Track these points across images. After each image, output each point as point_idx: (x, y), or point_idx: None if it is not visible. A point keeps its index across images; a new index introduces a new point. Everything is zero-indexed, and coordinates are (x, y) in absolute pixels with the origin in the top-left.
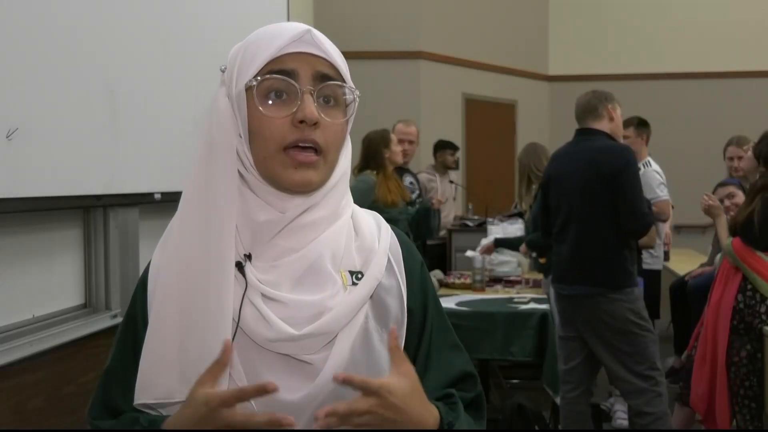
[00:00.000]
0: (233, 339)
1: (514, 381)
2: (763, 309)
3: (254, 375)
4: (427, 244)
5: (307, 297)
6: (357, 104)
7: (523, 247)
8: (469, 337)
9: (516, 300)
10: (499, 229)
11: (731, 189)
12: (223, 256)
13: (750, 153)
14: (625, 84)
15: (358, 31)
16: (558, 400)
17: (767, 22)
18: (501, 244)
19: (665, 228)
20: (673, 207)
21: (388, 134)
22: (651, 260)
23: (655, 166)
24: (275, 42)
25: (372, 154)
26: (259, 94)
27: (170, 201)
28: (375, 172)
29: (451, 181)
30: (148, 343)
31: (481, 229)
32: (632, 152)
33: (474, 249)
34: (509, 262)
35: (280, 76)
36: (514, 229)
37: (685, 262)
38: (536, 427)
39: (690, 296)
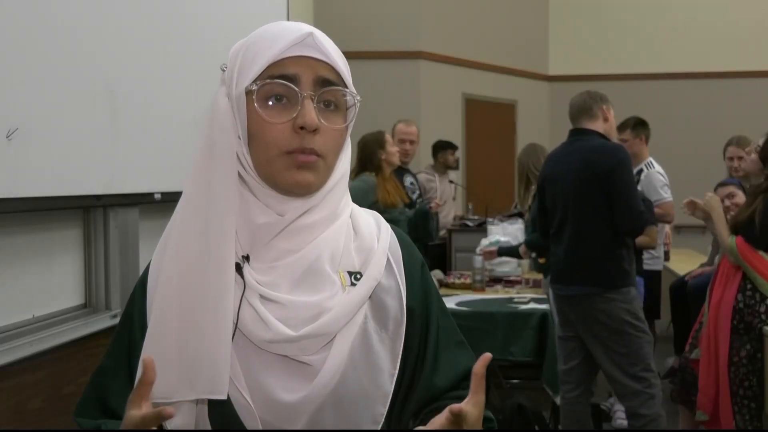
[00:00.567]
0: (232, 340)
1: (514, 381)
2: (762, 309)
3: (253, 376)
4: (428, 244)
5: (305, 298)
6: (358, 108)
7: (522, 247)
8: (469, 337)
9: (516, 300)
10: (499, 229)
11: (731, 189)
12: (222, 258)
13: (754, 156)
14: (625, 84)
15: (358, 31)
16: (558, 400)
17: (767, 22)
18: (504, 252)
19: (666, 228)
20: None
21: (383, 135)
22: (651, 261)
23: (657, 167)
24: (277, 44)
25: (368, 156)
26: (259, 98)
27: (170, 201)
28: (373, 174)
29: (451, 181)
30: (148, 343)
31: (481, 229)
32: (625, 151)
33: (474, 249)
34: (509, 262)
35: (281, 81)
36: (514, 229)
37: (685, 262)
38: (536, 427)
39: (690, 296)
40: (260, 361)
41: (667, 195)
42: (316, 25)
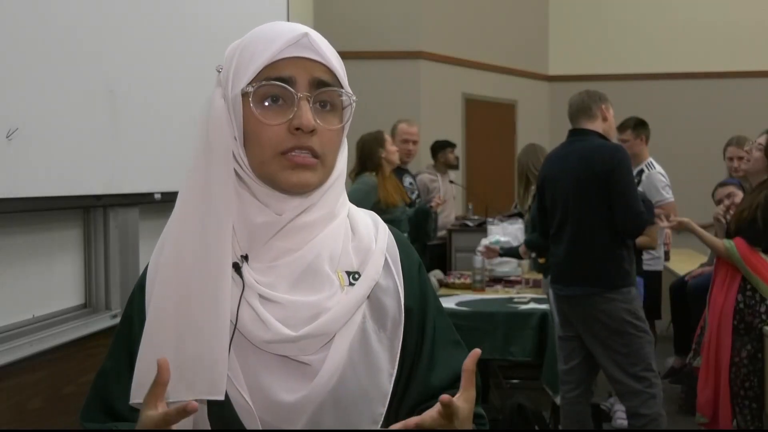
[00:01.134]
0: (231, 340)
1: (514, 381)
2: (763, 309)
3: (252, 376)
4: (427, 244)
5: (304, 298)
6: (354, 109)
7: (522, 247)
8: (469, 337)
9: (516, 300)
10: (499, 229)
11: (731, 189)
12: (220, 257)
13: (757, 153)
14: (625, 84)
15: (358, 31)
16: (558, 400)
17: (767, 22)
18: (507, 253)
19: (666, 228)
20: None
21: (382, 135)
22: (651, 261)
23: (658, 167)
24: (272, 46)
25: (368, 155)
26: (255, 100)
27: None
28: (374, 174)
29: (451, 181)
30: (145, 343)
31: (481, 229)
32: (625, 152)
33: (474, 249)
34: (509, 262)
35: (276, 83)
36: (514, 229)
37: (685, 262)
38: (536, 427)
39: (690, 296)
40: (259, 362)
41: (668, 195)
42: (316, 25)
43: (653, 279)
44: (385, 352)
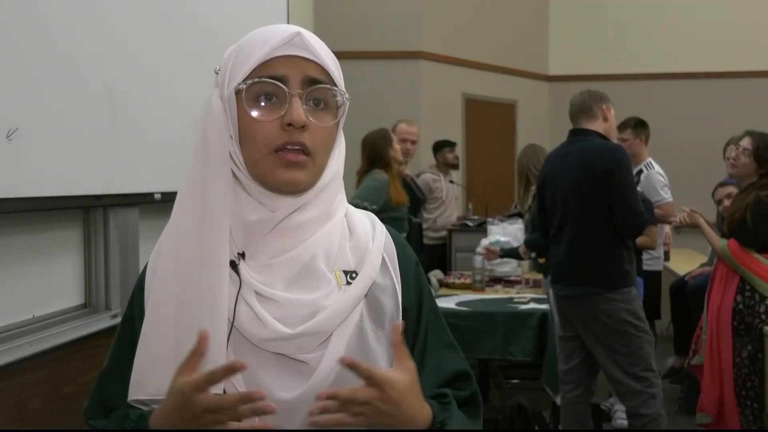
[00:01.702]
0: (228, 338)
1: (514, 381)
2: (762, 309)
3: (250, 374)
4: (424, 243)
5: (301, 296)
6: (347, 107)
7: (522, 247)
8: (469, 337)
9: (516, 300)
10: (499, 229)
11: (731, 189)
12: (217, 255)
13: (744, 159)
14: (625, 84)
15: (358, 31)
16: (558, 400)
17: (767, 22)
18: (507, 254)
19: (666, 228)
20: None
21: (388, 133)
22: (651, 261)
23: (657, 168)
24: (265, 45)
25: (378, 154)
26: (248, 98)
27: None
28: (383, 172)
29: (452, 181)
30: (144, 340)
31: (481, 229)
32: (624, 151)
33: (474, 249)
34: (509, 262)
35: (269, 80)
36: (514, 229)
37: (685, 262)
38: (536, 427)
39: (690, 296)
40: (257, 360)
41: (667, 195)
42: (316, 25)
43: (653, 279)
44: (382, 350)
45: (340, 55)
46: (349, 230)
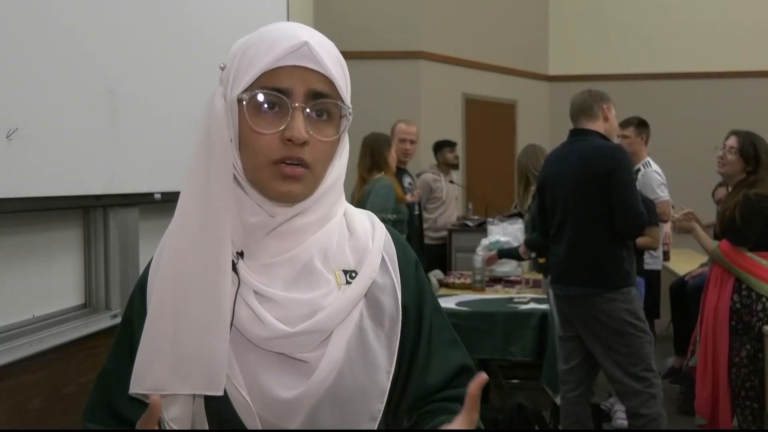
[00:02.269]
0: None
1: (514, 381)
2: (759, 307)
3: (250, 374)
4: (424, 243)
5: (300, 295)
6: (350, 121)
7: (522, 247)
8: (469, 337)
9: (516, 300)
10: (499, 229)
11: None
12: (219, 255)
13: (731, 157)
14: (625, 84)
15: (358, 31)
16: (558, 400)
17: (767, 22)
18: (504, 255)
19: (665, 228)
20: (672, 207)
21: (389, 138)
22: (651, 260)
23: (655, 166)
24: (271, 52)
25: (380, 154)
26: (250, 107)
27: (170, 201)
28: (383, 173)
29: (452, 181)
30: (145, 335)
31: (481, 229)
32: (625, 152)
33: (474, 250)
34: (509, 262)
35: (272, 93)
36: (514, 229)
37: (685, 262)
38: (536, 427)
39: (690, 296)
40: (257, 359)
41: (664, 194)
42: (316, 25)
43: (652, 278)
44: (383, 349)
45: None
46: (349, 230)
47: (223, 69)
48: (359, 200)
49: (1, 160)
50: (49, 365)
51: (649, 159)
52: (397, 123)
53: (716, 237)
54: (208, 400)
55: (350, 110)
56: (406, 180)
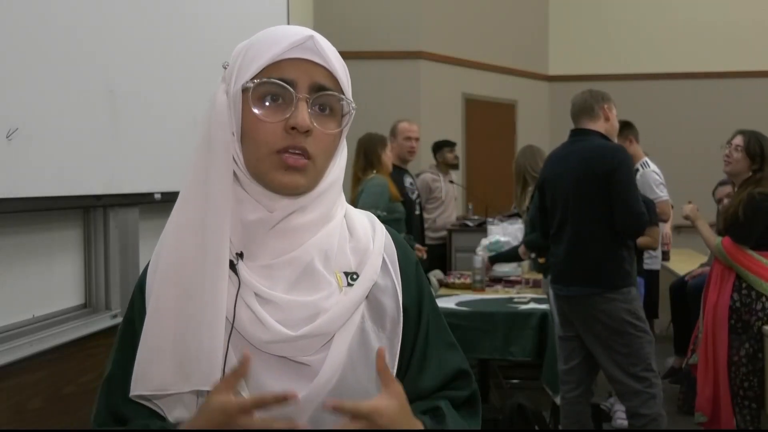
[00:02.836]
0: (229, 339)
1: (514, 381)
2: (759, 306)
3: (252, 377)
4: (425, 243)
5: (301, 298)
6: (353, 116)
7: (522, 248)
8: (469, 337)
9: (516, 300)
10: (499, 229)
11: (730, 189)
12: (218, 252)
13: (737, 155)
14: (625, 84)
15: (358, 31)
16: (558, 400)
17: (767, 22)
18: (497, 259)
19: (665, 228)
20: (672, 207)
21: (383, 136)
22: (650, 260)
23: (653, 166)
24: (277, 46)
25: (374, 153)
26: (254, 97)
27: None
28: (376, 172)
29: (451, 181)
30: (145, 337)
31: (481, 229)
32: (626, 152)
33: (474, 250)
34: (509, 262)
35: (277, 82)
36: (514, 229)
37: (685, 262)
38: (536, 427)
39: (690, 296)
40: (259, 362)
41: (663, 194)
42: (316, 25)
43: (651, 278)
44: (385, 351)
45: (340, 56)
46: (349, 231)
47: (225, 68)
48: (353, 200)
49: (1, 160)
50: (49, 365)
51: (646, 159)
52: (398, 122)
53: (719, 234)
54: None
55: (353, 106)
56: (407, 180)
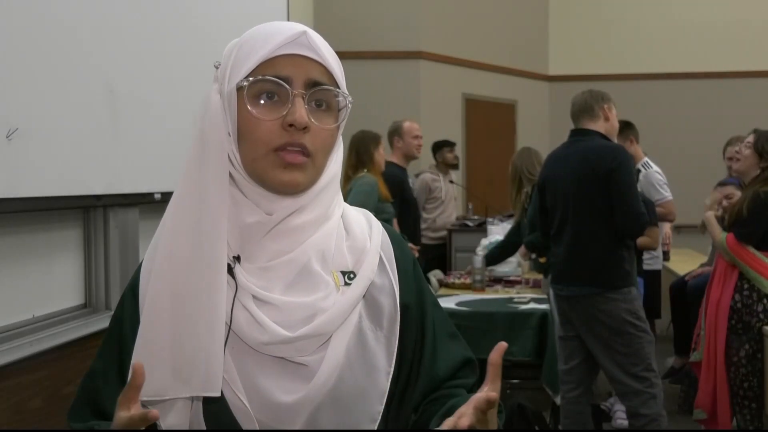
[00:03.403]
0: (226, 341)
1: (514, 381)
2: (760, 308)
3: (249, 379)
4: (424, 244)
5: (299, 299)
6: (349, 110)
7: (522, 248)
8: (469, 337)
9: (516, 300)
10: (499, 229)
11: (730, 189)
12: (214, 255)
13: (747, 152)
14: (625, 84)
15: (358, 31)
16: (558, 400)
17: (767, 22)
18: (491, 262)
19: (666, 228)
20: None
21: (377, 135)
22: (651, 260)
23: (655, 167)
24: (270, 42)
25: (365, 151)
26: (250, 95)
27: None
28: (367, 171)
29: (451, 181)
30: (141, 342)
31: (481, 229)
32: (626, 152)
33: (474, 250)
34: (509, 262)
35: (273, 79)
36: None
37: (685, 262)
38: (536, 427)
39: (690, 296)
40: (256, 364)
41: (667, 194)
42: (316, 25)
43: (652, 278)
44: (382, 350)
45: (339, 56)
46: (346, 230)
47: (217, 67)
48: (343, 198)
49: (1, 160)
50: (49, 365)
51: (647, 159)
52: (403, 122)
53: (725, 230)
54: (207, 405)
55: (350, 100)
56: (410, 180)
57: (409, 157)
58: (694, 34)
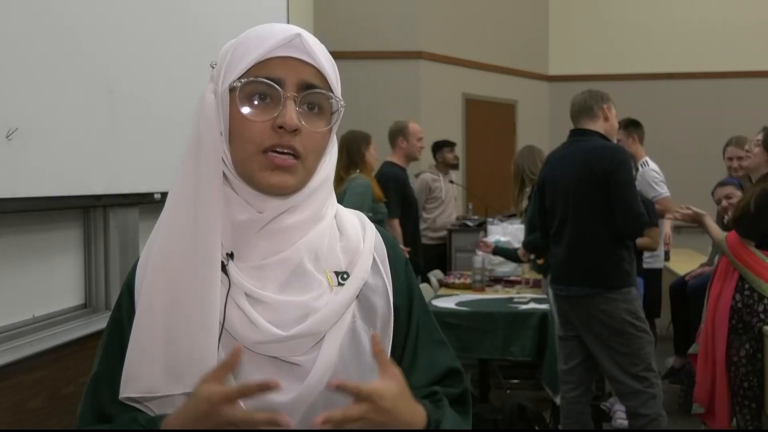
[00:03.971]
0: (219, 340)
1: (514, 381)
2: (761, 308)
3: (242, 378)
4: (424, 243)
5: (292, 298)
6: (342, 114)
7: (521, 250)
8: (469, 337)
9: (516, 300)
10: (499, 229)
11: (729, 189)
12: (209, 253)
13: (757, 149)
14: (625, 84)
15: (358, 31)
16: (558, 400)
17: (767, 22)
18: (501, 253)
19: (666, 228)
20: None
21: (367, 135)
22: (651, 259)
23: (653, 165)
24: (264, 44)
25: (356, 152)
26: (242, 96)
27: None
28: (359, 171)
29: (451, 181)
30: (134, 338)
31: (481, 229)
32: (625, 152)
33: (474, 250)
34: (509, 262)
35: (264, 81)
36: (514, 229)
37: (685, 262)
38: (536, 427)
39: (690, 296)
40: (249, 363)
41: (663, 190)
42: (316, 25)
43: (653, 277)
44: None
45: (340, 56)
46: (339, 231)
47: (213, 67)
48: (336, 200)
49: (1, 160)
50: (49, 365)
51: (646, 158)
52: (408, 123)
53: (726, 229)
54: None
55: (342, 103)
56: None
57: (411, 158)
58: (694, 34)
